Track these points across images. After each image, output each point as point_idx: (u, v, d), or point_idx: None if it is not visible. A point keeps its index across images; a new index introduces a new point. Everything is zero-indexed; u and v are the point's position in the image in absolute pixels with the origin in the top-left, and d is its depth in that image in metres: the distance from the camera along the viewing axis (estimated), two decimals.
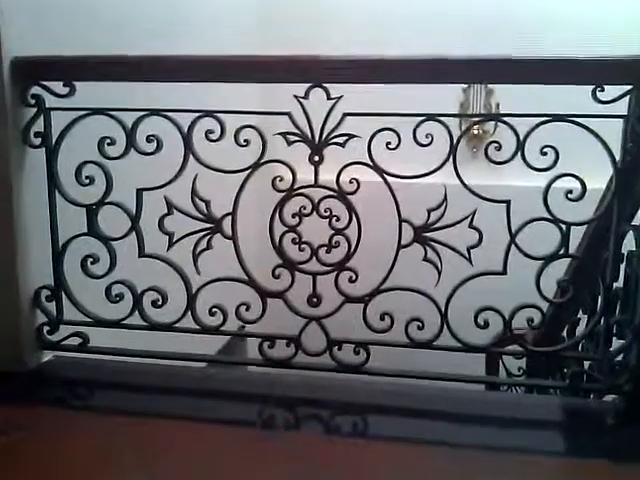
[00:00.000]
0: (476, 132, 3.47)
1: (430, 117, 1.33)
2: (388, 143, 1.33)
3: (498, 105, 3.58)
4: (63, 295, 1.55)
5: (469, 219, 1.35)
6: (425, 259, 1.38)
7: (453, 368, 1.44)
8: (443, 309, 1.40)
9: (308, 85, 1.34)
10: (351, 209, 1.39)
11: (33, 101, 1.45)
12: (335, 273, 1.43)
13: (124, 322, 1.53)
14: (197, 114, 1.40)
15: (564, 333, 1.94)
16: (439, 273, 1.37)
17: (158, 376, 1.56)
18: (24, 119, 1.46)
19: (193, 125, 1.40)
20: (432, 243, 1.37)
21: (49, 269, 1.53)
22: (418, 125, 1.32)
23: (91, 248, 1.50)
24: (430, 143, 1.31)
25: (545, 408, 1.46)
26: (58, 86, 1.44)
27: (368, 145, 1.35)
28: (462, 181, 1.33)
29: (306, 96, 1.35)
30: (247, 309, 1.46)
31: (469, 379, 1.44)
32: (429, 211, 1.36)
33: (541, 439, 1.34)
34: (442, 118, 1.32)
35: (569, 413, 1.43)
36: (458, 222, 1.35)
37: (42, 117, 1.46)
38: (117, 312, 1.53)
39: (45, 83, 1.45)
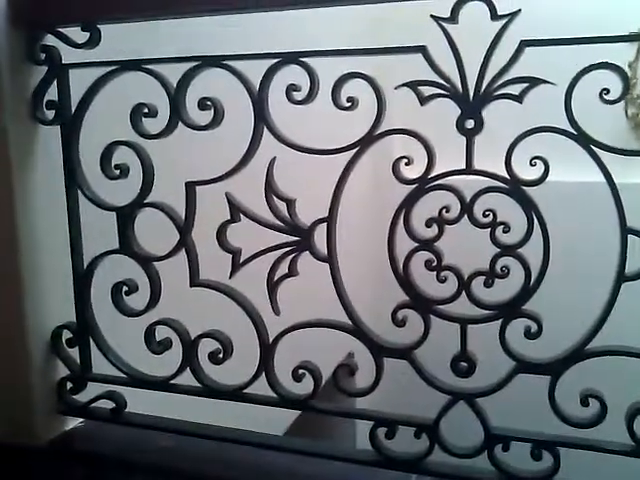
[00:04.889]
0: None
1: None
2: (604, 92, 0.74)
3: None
4: (90, 339, 1.08)
5: None
6: None
7: None
8: None
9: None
10: (532, 212, 0.80)
11: (43, 56, 1.00)
12: (500, 321, 0.85)
13: (173, 381, 1.04)
14: (275, 60, 0.87)
15: None
16: None
17: (223, 463, 1.05)
18: (31, 83, 1.01)
19: (268, 78, 0.88)
20: None
21: (70, 300, 1.07)
22: None
23: (125, 271, 1.02)
24: None
25: None
26: (76, 32, 0.98)
27: (565, 97, 0.76)
28: None
29: (453, 17, 0.79)
30: (351, 373, 0.91)
31: None
32: None
33: None
34: None
35: None
36: None
37: (56, 79, 1.00)
38: (163, 365, 1.04)
39: (61, 30, 0.99)
